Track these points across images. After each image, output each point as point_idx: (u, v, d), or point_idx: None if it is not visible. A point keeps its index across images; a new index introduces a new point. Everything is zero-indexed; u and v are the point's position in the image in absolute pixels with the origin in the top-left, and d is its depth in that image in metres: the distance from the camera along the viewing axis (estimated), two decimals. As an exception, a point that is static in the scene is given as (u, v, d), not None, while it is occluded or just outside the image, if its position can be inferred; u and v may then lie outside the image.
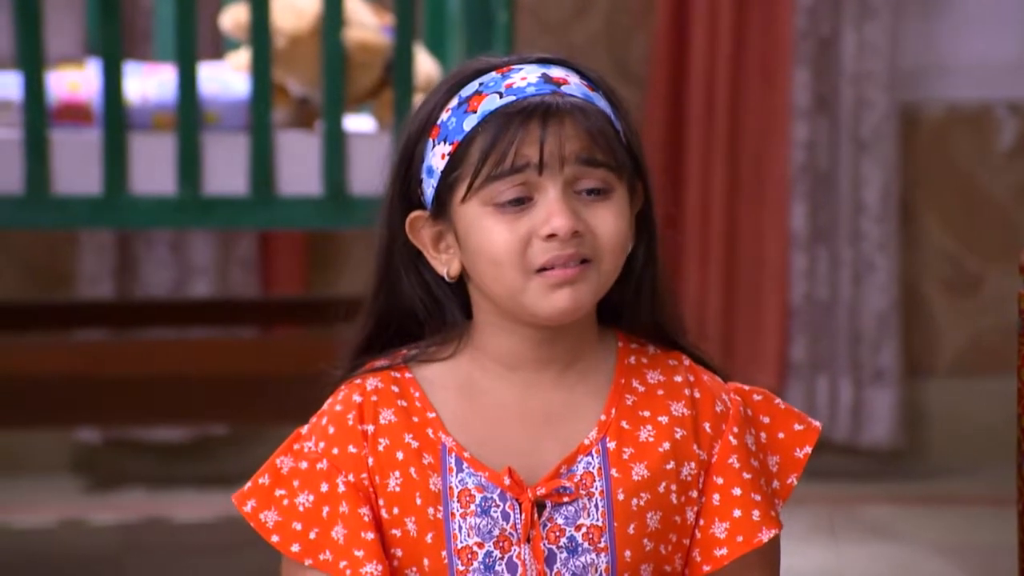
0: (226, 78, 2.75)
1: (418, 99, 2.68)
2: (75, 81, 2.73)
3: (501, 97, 1.38)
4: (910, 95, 3.94)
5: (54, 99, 2.68)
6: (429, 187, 1.41)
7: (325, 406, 1.44)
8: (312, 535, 1.40)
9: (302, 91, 2.77)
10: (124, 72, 2.66)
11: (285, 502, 1.41)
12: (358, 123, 2.89)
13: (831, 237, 3.89)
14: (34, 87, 2.63)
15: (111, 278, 3.71)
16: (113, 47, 2.63)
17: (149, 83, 2.72)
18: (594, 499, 1.39)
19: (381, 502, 1.40)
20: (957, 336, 4.00)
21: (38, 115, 2.63)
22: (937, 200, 3.98)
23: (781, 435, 1.44)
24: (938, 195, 3.98)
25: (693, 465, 1.41)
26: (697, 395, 1.42)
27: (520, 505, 1.38)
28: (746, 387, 1.46)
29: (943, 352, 3.99)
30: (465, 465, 1.39)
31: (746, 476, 1.40)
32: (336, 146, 2.67)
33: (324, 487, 1.40)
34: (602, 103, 1.40)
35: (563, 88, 1.39)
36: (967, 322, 4.00)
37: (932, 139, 3.97)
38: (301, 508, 1.40)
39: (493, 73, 1.40)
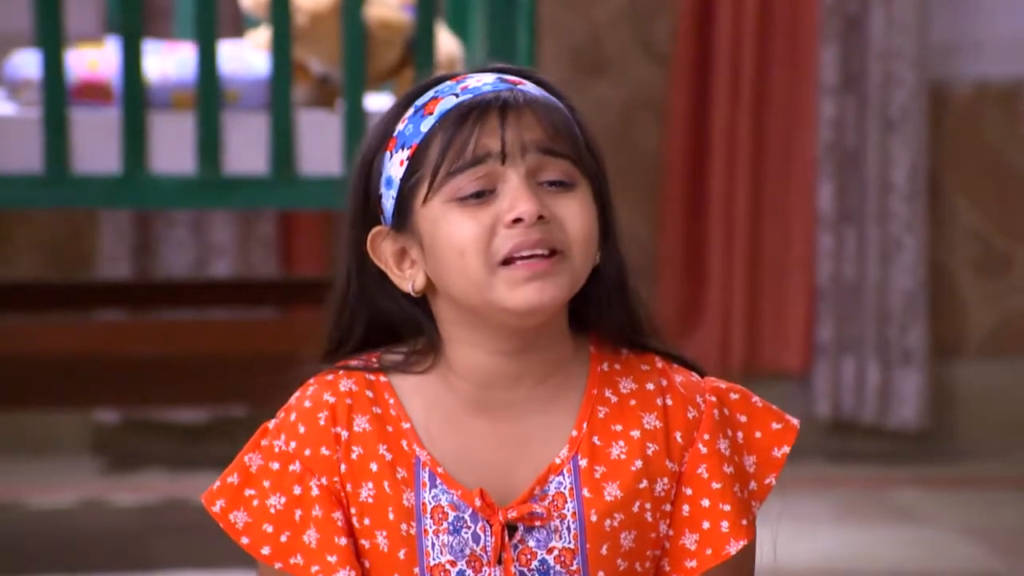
0: (246, 56, 2.74)
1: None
2: (94, 59, 2.72)
3: (457, 97, 1.38)
4: (939, 72, 3.90)
5: (73, 78, 2.68)
6: (389, 200, 1.39)
7: (293, 400, 1.41)
8: (283, 538, 1.38)
9: (323, 69, 2.76)
10: (144, 50, 2.64)
11: (255, 503, 1.39)
12: (379, 102, 2.87)
13: (858, 217, 3.86)
14: (53, 65, 2.62)
15: (131, 258, 3.70)
16: (133, 25, 2.62)
17: (169, 61, 2.71)
18: (566, 521, 1.38)
19: (353, 510, 1.38)
20: (986, 316, 3.96)
21: (57, 94, 2.62)
22: (966, 179, 3.95)
23: (758, 434, 1.42)
24: (967, 174, 3.95)
25: (666, 480, 1.40)
26: (669, 402, 1.40)
27: (491, 527, 1.37)
28: (723, 385, 1.43)
29: (972, 333, 3.96)
30: (439, 481, 1.38)
31: (715, 486, 1.39)
32: (357, 125, 2.65)
33: (297, 490, 1.38)
34: (561, 105, 1.40)
35: (519, 87, 1.39)
36: (996, 302, 3.96)
37: (962, 117, 3.93)
38: (272, 510, 1.38)
39: (448, 81, 1.40)
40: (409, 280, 1.39)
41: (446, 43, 2.78)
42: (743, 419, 1.42)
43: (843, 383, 3.87)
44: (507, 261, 1.35)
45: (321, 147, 2.67)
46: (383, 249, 1.40)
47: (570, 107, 1.40)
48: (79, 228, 3.75)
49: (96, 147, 2.65)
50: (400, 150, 1.38)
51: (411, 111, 1.39)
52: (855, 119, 3.85)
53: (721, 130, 3.79)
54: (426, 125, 1.37)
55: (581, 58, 3.85)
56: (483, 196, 1.36)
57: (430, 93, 1.39)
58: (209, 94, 2.64)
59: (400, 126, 1.39)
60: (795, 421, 1.44)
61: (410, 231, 1.38)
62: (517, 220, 1.35)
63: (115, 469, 3.71)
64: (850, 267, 3.86)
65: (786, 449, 1.42)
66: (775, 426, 1.43)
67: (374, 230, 1.40)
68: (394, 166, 1.38)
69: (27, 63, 2.72)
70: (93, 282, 3.58)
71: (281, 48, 2.64)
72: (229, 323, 3.07)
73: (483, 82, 1.38)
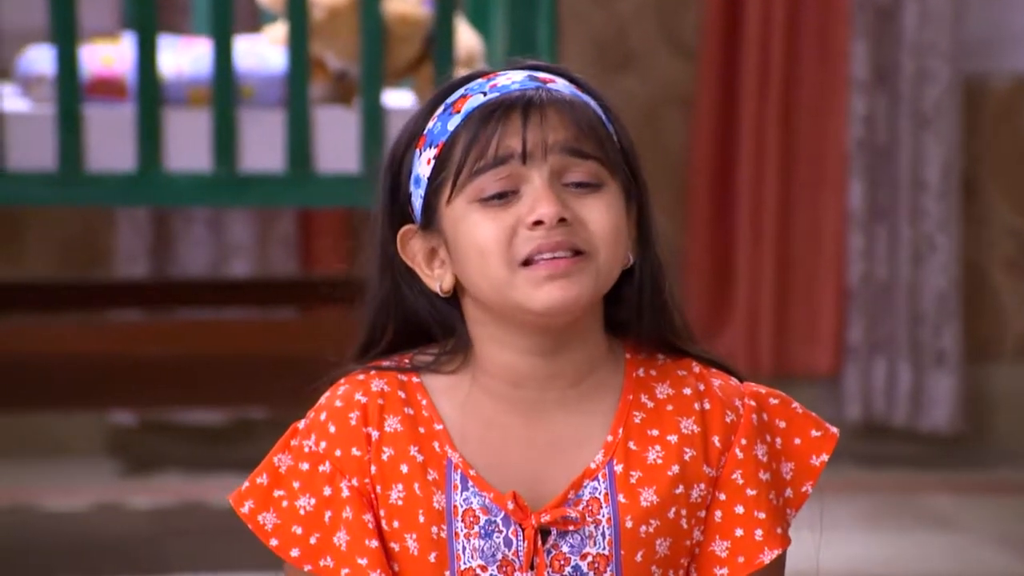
0: (263, 52, 2.73)
1: (459, 74, 2.63)
2: (109, 55, 2.71)
3: (485, 96, 1.37)
4: (974, 66, 3.86)
5: (87, 73, 2.67)
6: (418, 198, 1.39)
7: (323, 400, 1.40)
8: (313, 540, 1.37)
9: (340, 65, 2.74)
10: (159, 46, 2.64)
11: (284, 504, 1.38)
12: (398, 98, 2.86)
13: (890, 215, 3.82)
14: (67, 61, 2.61)
15: (148, 257, 3.70)
16: (148, 21, 2.61)
17: (184, 57, 2.70)
18: (600, 527, 1.37)
19: (382, 512, 1.37)
20: (1022, 317, 3.93)
21: (71, 90, 2.61)
22: (1002, 176, 3.92)
23: (797, 441, 1.41)
24: (1003, 171, 3.92)
25: (703, 486, 1.39)
26: (707, 407, 1.40)
27: (523, 531, 1.36)
28: (762, 390, 1.43)
29: (1007, 334, 3.92)
30: (470, 484, 1.37)
31: (750, 492, 1.38)
32: (375, 122, 2.63)
33: (327, 491, 1.37)
34: (593, 104, 1.39)
35: (549, 86, 1.38)
36: (1032, 303, 3.94)
37: (997, 112, 3.90)
38: (302, 511, 1.37)
39: (479, 79, 1.40)
40: (437, 280, 1.39)
41: (466, 38, 2.75)
42: (782, 425, 1.41)
43: (874, 385, 3.84)
44: (528, 262, 1.34)
45: (338, 144, 2.67)
46: (412, 247, 1.39)
47: (605, 107, 1.39)
48: (94, 226, 3.74)
49: (111, 144, 2.65)
50: (428, 148, 1.38)
51: (441, 109, 1.39)
52: (887, 115, 3.81)
53: (749, 126, 3.76)
54: (453, 124, 1.37)
55: (606, 52, 3.81)
56: (506, 197, 1.35)
57: (460, 91, 1.39)
58: (225, 90, 2.62)
59: (430, 123, 1.39)
60: (834, 430, 1.43)
61: (437, 230, 1.38)
62: (538, 222, 1.34)
63: (131, 471, 3.70)
64: (882, 267, 3.83)
65: (825, 457, 1.41)
66: (814, 433, 1.41)
67: (404, 228, 1.39)
68: (422, 164, 1.38)
69: (41, 59, 2.71)
70: (109, 281, 3.59)
71: (298, 44, 2.62)
72: (247, 323, 3.08)
73: (512, 80, 1.38)
